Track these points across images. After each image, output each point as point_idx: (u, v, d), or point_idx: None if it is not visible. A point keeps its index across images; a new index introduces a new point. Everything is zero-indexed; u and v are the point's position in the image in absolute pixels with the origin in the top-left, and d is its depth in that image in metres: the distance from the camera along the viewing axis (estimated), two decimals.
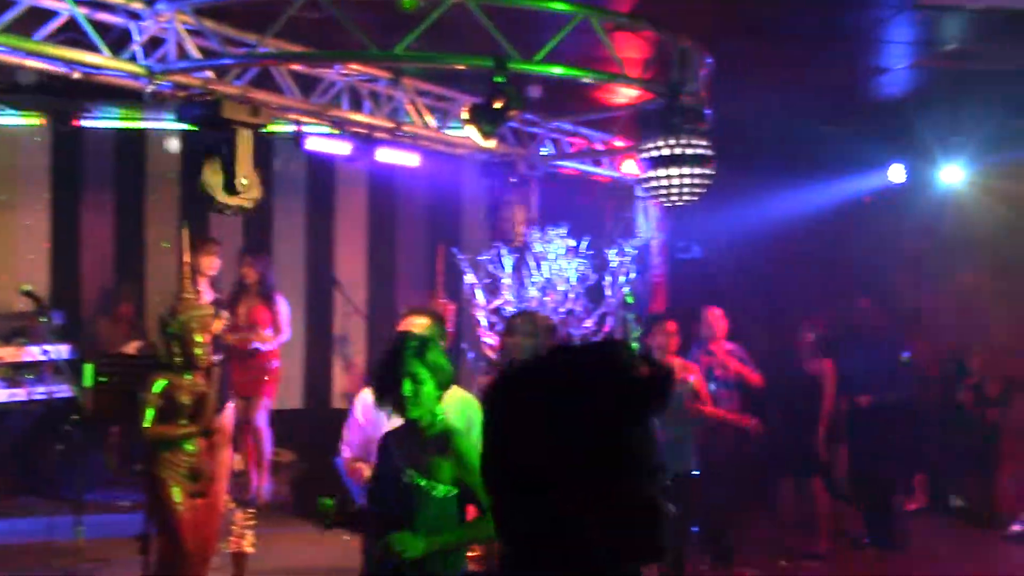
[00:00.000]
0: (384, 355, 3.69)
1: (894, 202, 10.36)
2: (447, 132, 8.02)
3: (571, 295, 9.07)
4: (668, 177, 6.86)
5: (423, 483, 3.54)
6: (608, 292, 9.26)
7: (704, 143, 6.81)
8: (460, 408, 4.25)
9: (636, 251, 9.36)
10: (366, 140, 7.49)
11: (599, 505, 1.42)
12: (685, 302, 9.75)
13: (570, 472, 1.41)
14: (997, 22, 7.36)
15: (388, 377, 3.59)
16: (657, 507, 1.46)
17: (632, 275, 9.34)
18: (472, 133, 6.25)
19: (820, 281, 9.92)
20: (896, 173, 9.95)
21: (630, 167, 9.06)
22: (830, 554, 8.17)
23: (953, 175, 9.79)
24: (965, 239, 10.04)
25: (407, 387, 3.52)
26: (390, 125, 7.59)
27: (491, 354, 8.42)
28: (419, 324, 4.57)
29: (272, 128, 7.21)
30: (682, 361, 6.91)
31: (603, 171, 9.48)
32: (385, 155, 7.64)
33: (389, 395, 3.60)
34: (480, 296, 8.90)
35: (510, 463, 1.46)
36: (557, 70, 6.26)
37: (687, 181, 6.83)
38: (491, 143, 6.63)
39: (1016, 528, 8.93)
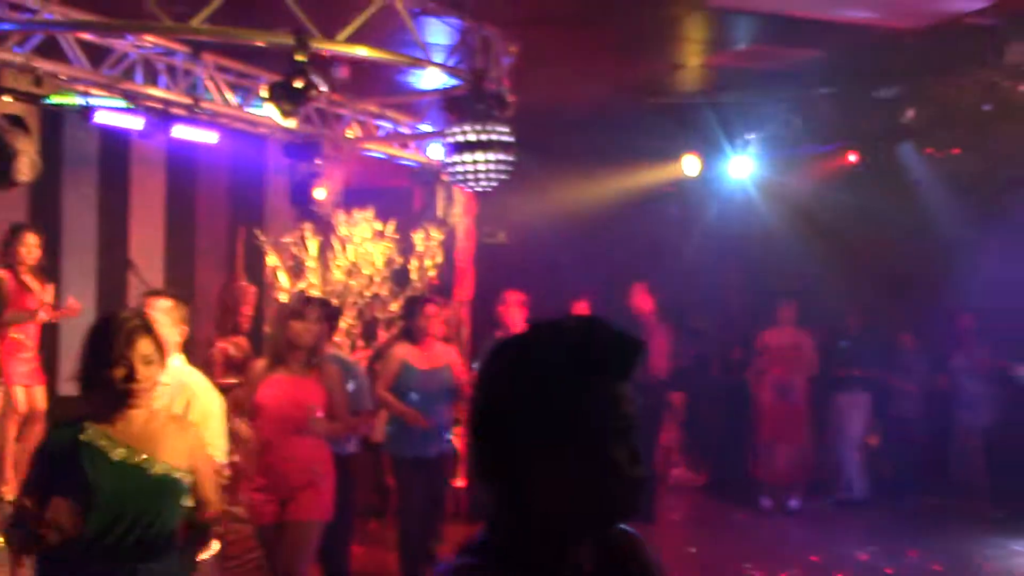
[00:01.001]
0: (94, 338, 3.27)
1: (689, 193, 10.86)
2: (249, 110, 7.82)
3: (377, 278, 9.06)
4: (471, 162, 6.95)
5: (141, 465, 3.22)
6: (414, 276, 9.29)
7: (506, 130, 6.93)
8: (178, 389, 4.23)
9: (443, 235, 9.44)
10: (161, 116, 7.20)
11: (565, 465, 1.49)
12: (491, 287, 9.91)
13: (536, 432, 1.49)
14: (783, 25, 7.83)
15: (99, 361, 3.21)
16: (621, 468, 1.51)
17: (438, 259, 9.41)
18: (272, 112, 6.13)
19: (620, 267, 10.27)
20: (690, 165, 10.40)
21: (437, 151, 9.10)
22: None
23: (742, 169, 10.33)
24: (747, 231, 10.63)
25: (122, 371, 3.18)
26: (188, 101, 7.33)
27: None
28: (162, 307, 4.43)
29: (58, 100, 6.82)
30: (443, 344, 7.01)
31: (410, 155, 9.48)
32: (182, 132, 7.36)
33: (99, 380, 3.22)
34: (283, 279, 8.76)
35: (489, 427, 1.54)
36: (360, 51, 6.22)
37: (489, 167, 6.93)
38: (292, 123, 6.52)
39: (793, 503, 9.53)
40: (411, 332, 6.86)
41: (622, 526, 1.67)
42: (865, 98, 9.44)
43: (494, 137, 6.95)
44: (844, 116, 9.55)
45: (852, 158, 9.99)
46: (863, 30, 7.90)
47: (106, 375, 3.19)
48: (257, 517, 5.48)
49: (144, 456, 3.21)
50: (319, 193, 8.57)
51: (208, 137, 7.59)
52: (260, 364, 5.58)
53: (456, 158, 6.88)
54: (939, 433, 9.79)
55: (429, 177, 9.63)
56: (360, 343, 8.89)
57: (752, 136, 10.06)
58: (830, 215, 10.11)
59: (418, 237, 9.26)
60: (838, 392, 9.77)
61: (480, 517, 1.59)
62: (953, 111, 8.76)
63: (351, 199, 9.06)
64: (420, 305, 6.88)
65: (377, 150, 9.24)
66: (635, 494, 1.54)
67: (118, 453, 3.19)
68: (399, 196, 9.82)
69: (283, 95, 5.91)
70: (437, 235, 9.40)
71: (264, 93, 6.15)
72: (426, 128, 9.28)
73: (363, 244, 8.96)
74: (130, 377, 3.19)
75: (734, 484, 9.98)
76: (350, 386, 5.97)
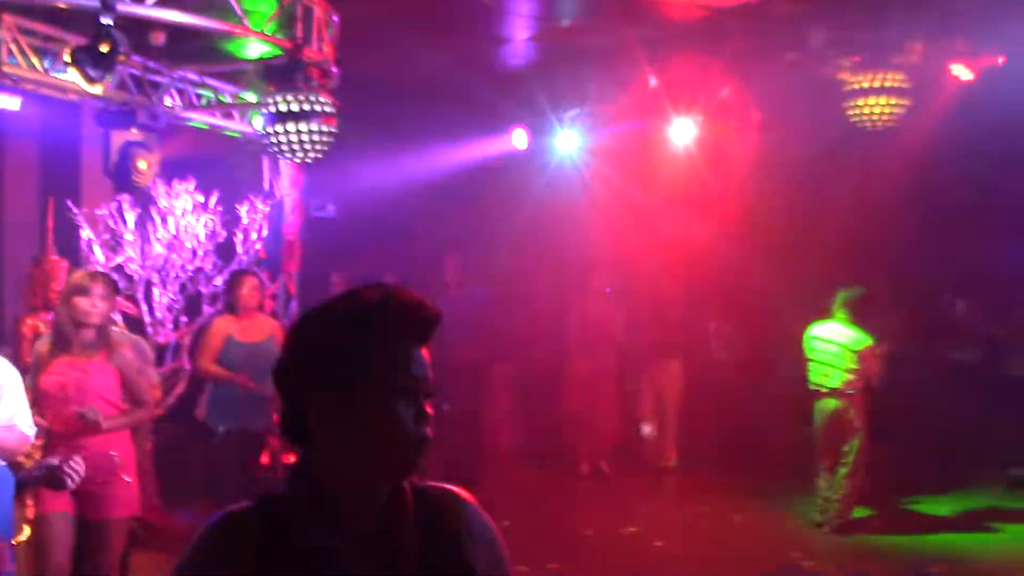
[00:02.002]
0: None
1: (518, 166, 11.00)
2: (56, 76, 7.44)
3: (200, 252, 8.80)
4: (292, 132, 6.85)
5: None
6: (240, 249, 9.08)
7: (328, 100, 6.85)
8: None
9: (269, 208, 9.25)
10: None
11: (351, 420, 1.59)
12: (320, 260, 9.82)
13: (324, 387, 1.60)
14: (603, 2, 8.02)
15: None
16: (405, 425, 1.60)
17: (265, 232, 9.22)
18: (76, 77, 5.86)
19: (451, 240, 10.33)
20: (519, 139, 10.53)
21: (261, 122, 8.89)
22: None
23: (568, 143, 10.53)
24: (574, 204, 10.87)
25: None
26: None
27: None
28: None
29: None
30: (266, 317, 6.97)
31: (234, 125, 9.23)
32: None
33: None
34: (99, 253, 8.40)
35: (286, 384, 1.66)
36: (171, 16, 6.02)
37: (311, 137, 6.84)
38: (98, 89, 6.25)
39: (606, 468, 9.73)
40: (232, 305, 6.77)
41: (448, 488, 1.75)
42: (686, 76, 9.77)
43: (316, 107, 6.86)
44: (666, 93, 9.86)
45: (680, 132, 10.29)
46: (687, 8, 8.18)
47: None
48: (41, 504, 4.91)
49: None
50: (137, 163, 8.26)
51: (10, 103, 7.19)
52: (43, 347, 5.07)
53: (275, 128, 6.75)
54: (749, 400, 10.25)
55: (254, 148, 9.40)
56: (183, 319, 8.64)
57: (578, 111, 10.27)
58: (651, 187, 10.44)
59: (243, 210, 9.05)
60: (653, 360, 10.04)
61: None
62: (764, 91, 9.17)
63: (171, 170, 8.76)
64: (241, 278, 6.78)
65: (198, 119, 8.96)
66: (418, 452, 1.62)
67: None
68: (223, 167, 9.56)
69: (87, 60, 5.66)
70: (263, 208, 9.21)
71: (67, 57, 5.86)
72: (249, 97, 9.04)
73: (185, 217, 8.68)
74: None
75: (557, 451, 10.24)
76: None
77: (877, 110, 7.72)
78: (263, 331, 6.78)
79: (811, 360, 7.83)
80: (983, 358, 10.39)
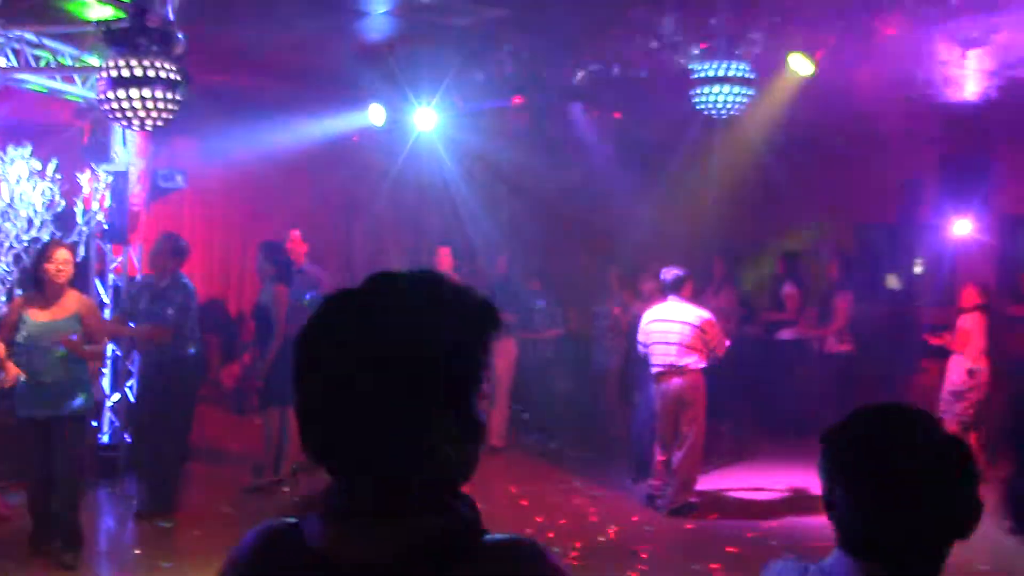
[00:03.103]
0: None
1: (376, 142, 10.91)
2: None
3: (37, 222, 8.42)
4: (135, 98, 6.60)
5: None
6: (80, 220, 8.73)
7: (172, 67, 6.63)
8: None
9: (113, 177, 8.92)
10: None
11: (450, 426, 1.38)
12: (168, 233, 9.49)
13: (428, 393, 1.36)
14: None
15: None
16: (484, 430, 1.46)
17: (108, 203, 8.89)
18: None
19: (305, 214, 10.18)
20: (376, 114, 10.43)
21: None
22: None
23: (427, 120, 10.48)
24: (429, 181, 10.87)
25: None
26: None
27: None
28: None
29: None
30: (76, 295, 6.64)
31: (75, 89, 8.84)
32: None
33: None
34: None
35: (362, 391, 1.36)
36: None
37: (153, 104, 6.61)
38: None
39: None
40: (38, 281, 6.44)
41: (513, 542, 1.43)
42: (542, 57, 9.87)
43: (159, 73, 6.63)
44: (524, 74, 9.93)
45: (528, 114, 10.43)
46: None
47: None
48: None
49: None
50: None
51: None
52: None
53: (115, 93, 6.50)
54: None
55: (97, 114, 9.02)
56: (17, 292, 8.25)
57: (436, 88, 10.23)
58: (507, 168, 10.52)
59: (85, 178, 8.70)
60: None
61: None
62: (616, 76, 9.35)
63: (6, 135, 8.34)
64: (50, 251, 6.44)
65: (36, 82, 8.54)
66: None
67: None
68: (64, 134, 9.16)
69: None
70: (106, 177, 8.87)
71: None
72: (92, 61, 8.67)
73: (20, 184, 8.28)
74: None
75: None
76: None
77: (722, 98, 7.96)
78: (66, 309, 6.45)
79: (651, 343, 7.99)
80: (803, 336, 10.91)
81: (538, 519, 7.74)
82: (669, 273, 8.02)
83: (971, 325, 8.80)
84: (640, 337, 8.12)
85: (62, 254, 6.40)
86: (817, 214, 11.61)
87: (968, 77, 9.13)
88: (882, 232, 12.63)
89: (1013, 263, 10.79)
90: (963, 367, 8.76)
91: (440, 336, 1.39)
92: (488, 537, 1.40)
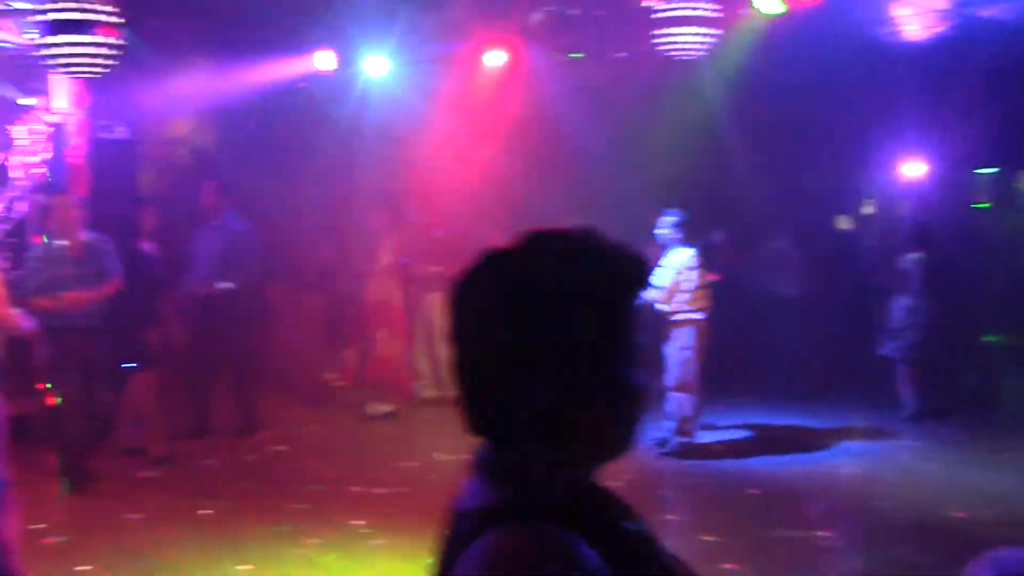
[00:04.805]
0: None
1: (324, 89, 10.51)
2: None
3: None
4: (73, 43, 6.23)
5: None
6: (18, 174, 8.33)
7: (110, 10, 6.26)
8: None
9: (50, 128, 8.50)
10: None
11: (586, 393, 1.32)
12: (110, 185, 9.09)
13: (557, 358, 1.31)
14: None
15: None
16: (640, 395, 1.38)
17: (46, 155, 8.49)
18: None
19: (251, 163, 9.82)
20: (324, 60, 10.05)
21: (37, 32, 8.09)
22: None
23: (378, 66, 10.13)
24: (380, 128, 10.52)
25: None
26: None
27: None
28: None
29: None
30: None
31: (6, 35, 8.36)
32: None
33: None
34: None
35: (488, 354, 1.33)
36: None
37: (96, 50, 6.25)
38: None
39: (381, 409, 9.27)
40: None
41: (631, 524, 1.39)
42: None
43: (100, 17, 6.26)
44: (477, 16, 9.63)
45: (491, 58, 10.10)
46: None
47: None
48: None
49: None
50: None
51: None
52: None
53: (52, 39, 6.12)
54: None
55: (31, 61, 8.56)
56: None
57: (386, 33, 9.88)
58: (462, 113, 10.26)
59: (19, 130, 8.29)
60: (424, 291, 9.67)
61: None
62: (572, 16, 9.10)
63: None
64: (60, 196, 6.18)
65: None
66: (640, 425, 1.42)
67: None
68: None
69: None
70: (44, 128, 8.46)
71: None
72: (19, 4, 8.18)
73: None
74: None
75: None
76: None
77: (686, 40, 7.73)
78: None
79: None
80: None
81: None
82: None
83: None
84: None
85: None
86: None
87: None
88: None
89: None
90: None
91: (583, 292, 1.33)
92: (511, 527, 1.27)
